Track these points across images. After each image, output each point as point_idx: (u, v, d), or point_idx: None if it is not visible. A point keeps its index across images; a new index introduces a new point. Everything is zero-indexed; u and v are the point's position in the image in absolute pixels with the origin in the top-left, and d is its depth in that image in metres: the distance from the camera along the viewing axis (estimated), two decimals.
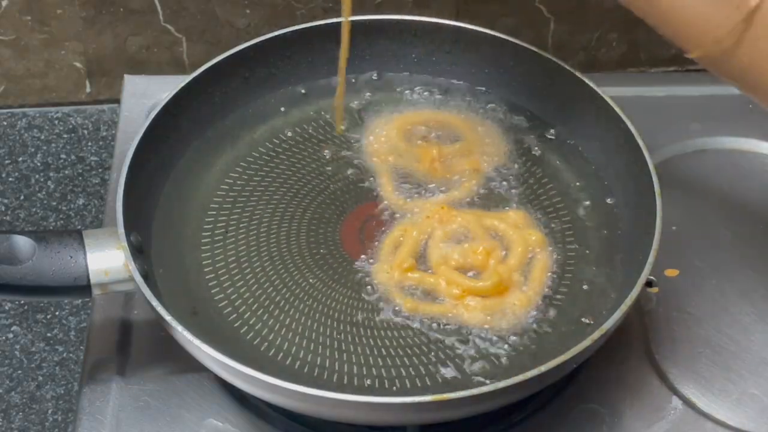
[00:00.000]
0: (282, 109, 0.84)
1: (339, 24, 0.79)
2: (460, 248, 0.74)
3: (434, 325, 0.71)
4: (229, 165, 0.81)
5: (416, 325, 0.71)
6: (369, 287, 0.73)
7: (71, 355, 0.88)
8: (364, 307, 0.72)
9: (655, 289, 0.80)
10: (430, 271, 0.73)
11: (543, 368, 0.63)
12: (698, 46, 0.63)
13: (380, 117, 0.84)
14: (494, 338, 0.70)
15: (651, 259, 0.69)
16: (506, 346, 0.70)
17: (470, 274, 0.73)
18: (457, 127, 0.82)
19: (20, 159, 0.98)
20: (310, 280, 0.74)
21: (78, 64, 0.98)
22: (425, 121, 0.83)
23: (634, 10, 0.65)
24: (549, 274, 0.73)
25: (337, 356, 0.69)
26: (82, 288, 0.68)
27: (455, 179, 0.79)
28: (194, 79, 0.80)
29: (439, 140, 0.82)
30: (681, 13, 0.62)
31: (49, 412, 0.85)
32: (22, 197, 0.97)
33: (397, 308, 0.72)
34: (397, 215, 0.77)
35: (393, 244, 0.75)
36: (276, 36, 0.83)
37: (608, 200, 0.78)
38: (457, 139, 0.82)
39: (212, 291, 0.73)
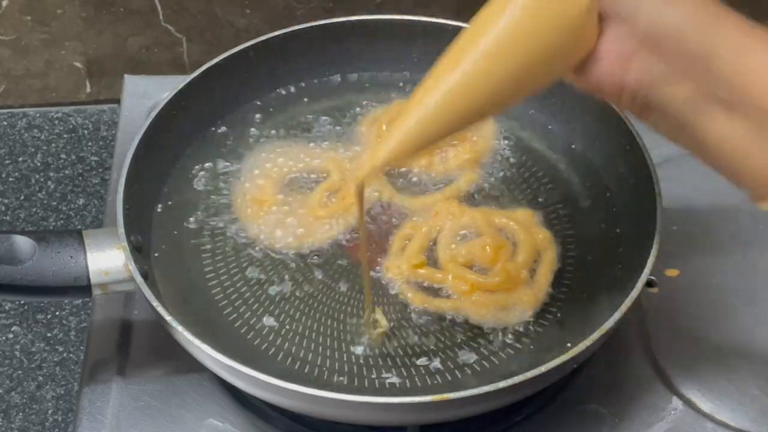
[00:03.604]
0: (282, 109, 0.85)
1: (339, 24, 0.79)
2: (469, 245, 0.73)
3: (441, 321, 0.71)
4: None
5: (422, 321, 0.71)
6: (378, 284, 0.72)
7: (71, 355, 0.88)
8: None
9: (655, 289, 0.80)
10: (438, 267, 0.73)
11: (543, 368, 0.63)
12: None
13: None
14: (498, 335, 0.70)
15: (651, 259, 0.69)
16: (509, 344, 0.70)
17: (480, 271, 0.73)
18: None
19: (20, 159, 0.98)
20: (312, 280, 0.73)
21: (78, 64, 0.98)
22: None
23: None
24: (553, 272, 0.73)
25: (337, 356, 0.69)
26: (82, 288, 0.68)
27: (454, 174, 0.79)
28: (194, 79, 0.80)
29: None
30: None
31: (49, 412, 0.84)
32: (22, 197, 0.97)
33: (405, 304, 0.71)
34: (401, 212, 0.77)
35: (402, 241, 0.75)
36: (276, 36, 0.83)
37: (608, 200, 0.78)
38: (455, 137, 0.82)
39: (212, 291, 0.73)
